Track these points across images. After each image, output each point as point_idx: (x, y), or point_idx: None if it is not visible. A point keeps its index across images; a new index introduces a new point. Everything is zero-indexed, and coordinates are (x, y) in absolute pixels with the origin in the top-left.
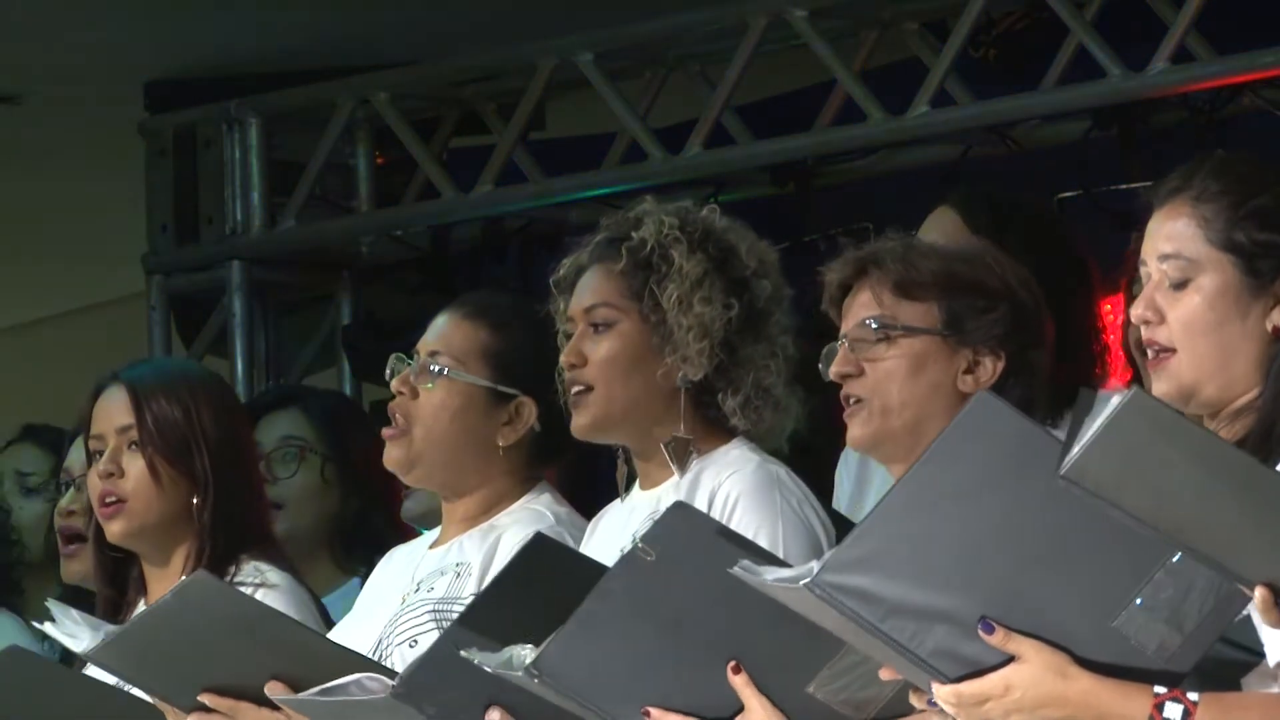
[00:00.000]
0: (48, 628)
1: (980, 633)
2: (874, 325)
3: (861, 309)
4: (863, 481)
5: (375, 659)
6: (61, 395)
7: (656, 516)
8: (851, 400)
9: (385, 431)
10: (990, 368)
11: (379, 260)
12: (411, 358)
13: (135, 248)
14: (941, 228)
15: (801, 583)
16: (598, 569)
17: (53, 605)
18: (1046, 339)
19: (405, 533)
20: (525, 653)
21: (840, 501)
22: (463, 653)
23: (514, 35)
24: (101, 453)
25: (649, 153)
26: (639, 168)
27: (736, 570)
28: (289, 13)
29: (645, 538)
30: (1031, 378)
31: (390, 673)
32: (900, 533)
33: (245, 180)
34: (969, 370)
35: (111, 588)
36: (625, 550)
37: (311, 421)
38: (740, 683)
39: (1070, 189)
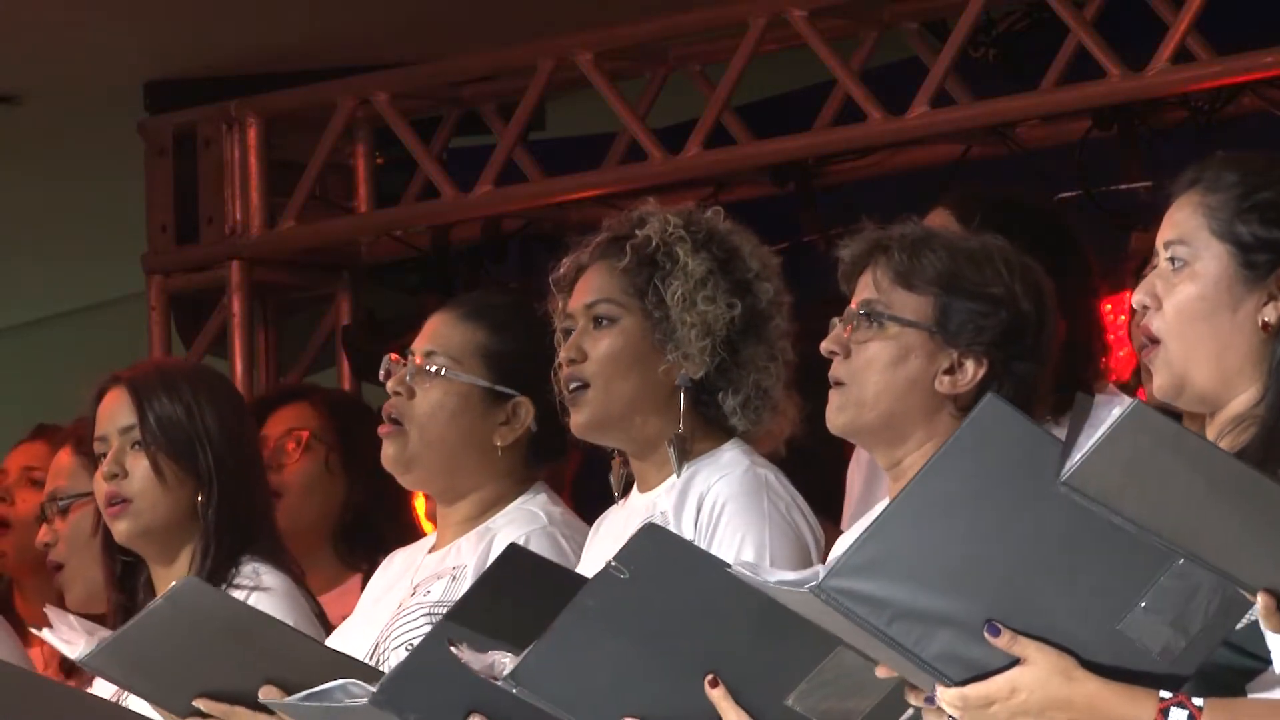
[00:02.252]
0: (45, 634)
1: (986, 635)
2: (863, 311)
3: (862, 290)
4: (872, 479)
5: (372, 663)
6: (62, 395)
7: (653, 520)
8: (834, 381)
9: (382, 429)
10: (971, 372)
11: (379, 260)
12: (406, 358)
13: (135, 248)
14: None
15: (807, 587)
16: (572, 576)
17: (50, 611)
18: (1044, 353)
19: (407, 531)
20: (505, 661)
21: (850, 498)
22: (453, 649)
23: (514, 35)
24: (106, 455)
25: (649, 153)
26: (639, 168)
27: (736, 570)
28: (289, 13)
29: (618, 557)
30: (1016, 387)
31: (381, 676)
32: (907, 537)
33: (245, 180)
34: (949, 371)
35: (121, 593)
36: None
37: (319, 414)
38: (718, 695)
39: (1070, 189)
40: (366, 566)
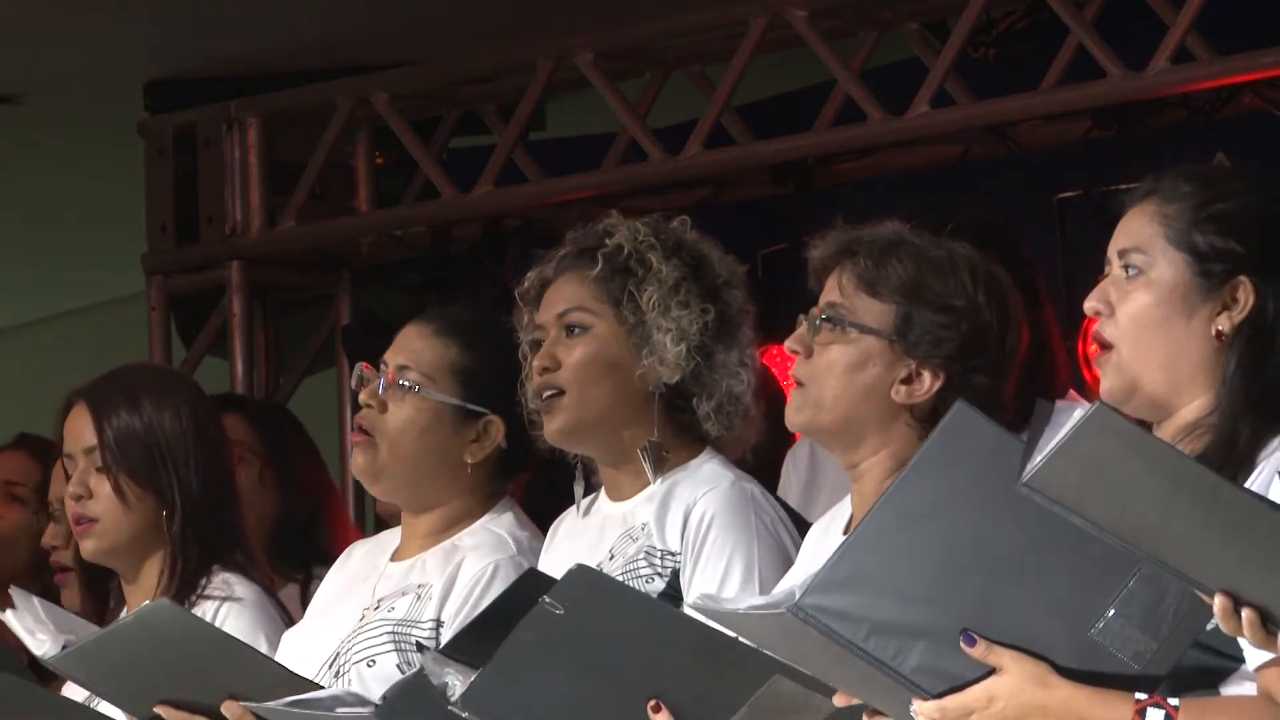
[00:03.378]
0: (6, 615)
1: (962, 645)
2: (825, 315)
3: (828, 292)
4: (814, 479)
5: (331, 673)
6: (61, 396)
7: (633, 533)
8: (795, 380)
9: (353, 436)
10: (928, 384)
11: (379, 260)
12: (378, 367)
13: (135, 248)
14: None
15: (784, 608)
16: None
17: (16, 593)
18: (1005, 365)
19: (340, 544)
20: (456, 684)
21: (789, 496)
22: (425, 668)
23: (514, 35)
24: (74, 474)
25: (649, 153)
26: (639, 168)
27: (700, 602)
28: (289, 13)
29: (552, 594)
30: (974, 400)
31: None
32: (881, 552)
33: (245, 180)
34: (907, 381)
35: (94, 597)
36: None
37: (252, 426)
38: (661, 719)
39: (1070, 189)
40: (300, 577)
